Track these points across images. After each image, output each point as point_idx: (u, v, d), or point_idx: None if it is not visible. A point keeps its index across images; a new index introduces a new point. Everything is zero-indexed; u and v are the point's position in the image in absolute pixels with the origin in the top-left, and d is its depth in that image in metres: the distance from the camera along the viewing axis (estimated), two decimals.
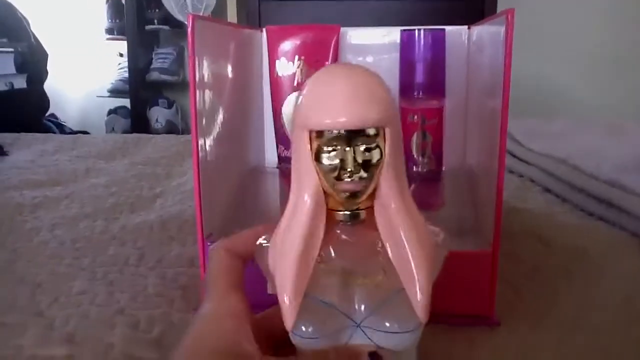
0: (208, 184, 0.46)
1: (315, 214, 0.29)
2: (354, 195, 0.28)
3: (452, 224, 0.58)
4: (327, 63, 0.63)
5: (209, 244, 0.46)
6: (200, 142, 0.46)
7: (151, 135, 1.29)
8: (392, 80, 0.59)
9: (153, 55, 2.65)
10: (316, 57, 0.63)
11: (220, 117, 0.51)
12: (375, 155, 0.28)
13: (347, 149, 0.28)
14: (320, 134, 0.28)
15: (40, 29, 2.41)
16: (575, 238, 0.61)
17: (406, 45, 0.60)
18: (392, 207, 0.29)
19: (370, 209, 0.29)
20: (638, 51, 2.38)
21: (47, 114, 2.52)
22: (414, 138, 0.59)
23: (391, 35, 0.66)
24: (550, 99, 2.39)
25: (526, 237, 0.61)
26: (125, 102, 2.63)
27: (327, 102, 0.28)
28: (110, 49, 2.73)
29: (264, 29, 0.65)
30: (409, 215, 0.29)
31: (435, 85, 0.59)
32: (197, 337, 0.30)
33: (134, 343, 0.41)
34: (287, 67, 0.63)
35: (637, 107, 2.35)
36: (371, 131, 0.28)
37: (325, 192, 0.29)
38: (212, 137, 0.49)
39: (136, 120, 2.58)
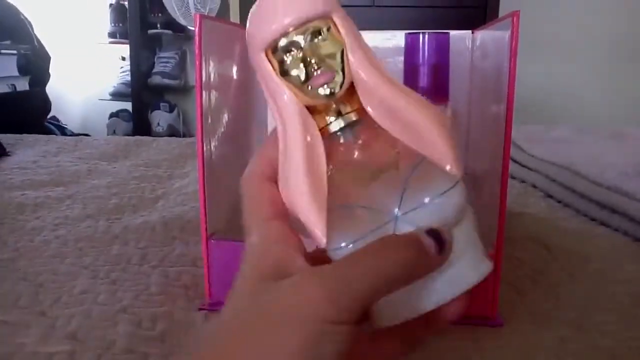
0: (212, 183, 0.47)
1: (305, 127, 0.28)
2: (331, 93, 0.27)
3: None
4: None
5: (212, 241, 0.46)
6: (205, 141, 0.46)
7: (153, 137, 1.29)
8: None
9: (155, 59, 2.66)
10: None
11: (225, 117, 0.51)
12: (332, 45, 0.28)
13: (303, 46, 0.27)
14: (274, 49, 0.27)
15: (43, 32, 2.41)
16: (577, 243, 0.61)
17: (410, 48, 0.60)
18: (382, 88, 0.27)
19: (359, 110, 0.28)
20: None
21: (48, 117, 2.52)
22: None
23: (395, 38, 0.66)
24: (552, 104, 2.39)
25: (528, 242, 0.61)
26: (127, 105, 2.64)
27: (268, 12, 0.27)
28: (113, 53, 2.74)
29: None
30: (401, 87, 0.28)
31: (439, 89, 0.59)
32: (246, 269, 0.27)
33: (136, 340, 0.41)
34: None
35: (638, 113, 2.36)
36: (321, 25, 0.27)
37: (310, 111, 0.28)
38: (216, 137, 0.49)
39: (138, 123, 2.59)
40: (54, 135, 1.52)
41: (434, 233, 0.26)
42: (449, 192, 0.26)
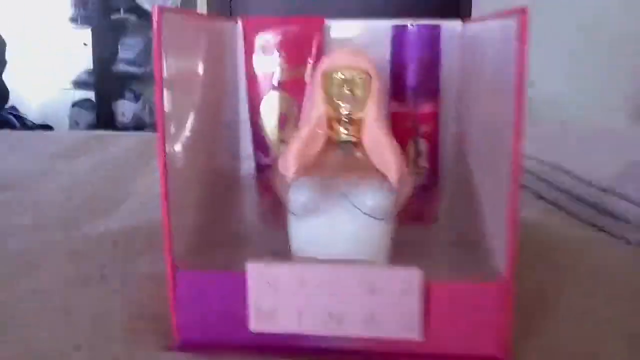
0: (177, 197, 0.40)
1: (320, 123, 0.42)
2: (348, 112, 0.42)
3: (449, 240, 0.53)
4: (309, 59, 0.56)
5: (180, 273, 0.40)
6: (168, 149, 0.40)
7: (116, 132, 1.21)
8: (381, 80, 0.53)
9: (119, 46, 2.55)
10: (298, 52, 0.56)
11: (190, 120, 0.45)
12: (363, 89, 0.43)
13: (346, 79, 0.43)
14: (329, 75, 0.43)
15: None
16: (584, 255, 0.56)
17: (398, 42, 0.54)
18: (375, 131, 0.42)
19: (359, 139, 0.42)
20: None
21: (6, 106, 2.40)
22: (407, 147, 0.53)
23: (380, 29, 0.60)
24: (539, 101, 2.36)
25: (532, 258, 0.55)
26: (90, 94, 2.53)
27: (338, 53, 0.45)
28: (75, 39, 2.61)
29: (239, 21, 0.58)
30: (388, 135, 0.42)
31: (429, 88, 0.54)
32: None
33: None
34: (265, 64, 0.57)
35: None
36: (362, 75, 0.43)
37: (328, 122, 0.43)
38: (180, 143, 0.43)
39: (101, 113, 2.48)
40: (4, 130, 1.43)
41: None
42: (379, 193, 0.39)
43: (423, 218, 0.54)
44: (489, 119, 0.46)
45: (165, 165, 0.39)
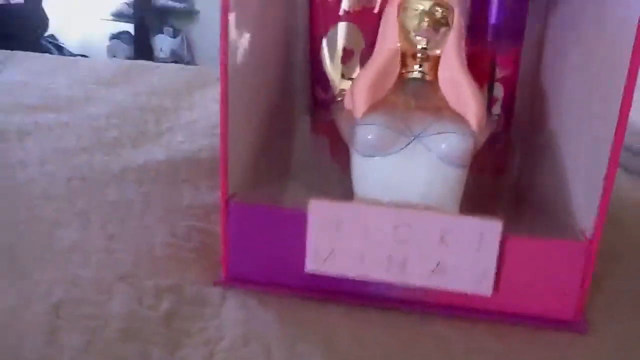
0: (233, 128, 0.37)
1: (392, 57, 0.38)
2: (424, 48, 0.38)
3: (519, 193, 0.49)
4: None
5: (233, 204, 0.37)
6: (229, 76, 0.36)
7: (156, 63, 1.18)
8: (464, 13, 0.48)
9: None
10: None
11: (245, 46, 0.41)
12: (443, 22, 0.37)
13: (425, 9, 0.37)
14: (405, 5, 0.38)
15: None
16: None
17: None
18: (455, 67, 0.38)
19: (434, 76, 0.38)
20: None
21: (46, 35, 2.38)
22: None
23: None
24: None
25: (621, 229, 0.50)
26: (129, 27, 2.49)
27: None
28: None
29: None
30: (468, 74, 0.38)
31: (515, 26, 0.48)
32: None
33: (135, 321, 0.33)
34: None
35: None
36: (443, 7, 0.37)
37: (402, 57, 0.39)
38: (238, 73, 0.39)
39: (139, 47, 2.45)
40: (48, 54, 1.40)
41: None
42: (456, 136, 0.35)
43: (493, 168, 0.50)
44: (587, 68, 0.41)
45: (226, 92, 0.36)
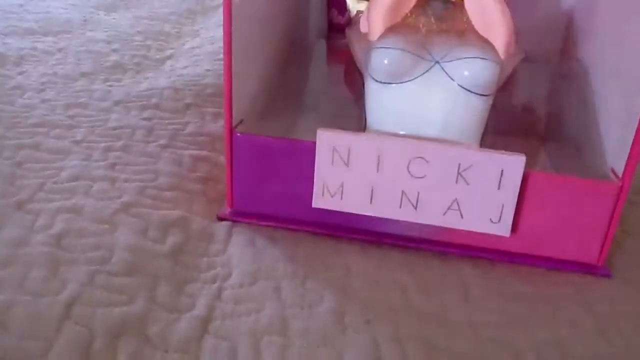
0: (239, 53, 0.34)
1: None
2: None
3: (544, 130, 0.47)
4: None
5: (238, 135, 0.35)
6: None
7: None
8: None
9: None
10: None
11: None
12: None
13: None
14: None
15: None
16: None
17: None
18: None
19: (458, 2, 0.35)
20: None
21: None
22: None
23: None
24: None
25: None
26: None
27: None
28: None
29: None
30: None
31: None
32: None
33: (140, 255, 0.32)
34: None
35: None
36: None
37: None
38: None
39: None
40: None
41: None
42: (481, 61, 0.31)
43: (518, 100, 0.47)
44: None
45: (229, 12, 0.33)
